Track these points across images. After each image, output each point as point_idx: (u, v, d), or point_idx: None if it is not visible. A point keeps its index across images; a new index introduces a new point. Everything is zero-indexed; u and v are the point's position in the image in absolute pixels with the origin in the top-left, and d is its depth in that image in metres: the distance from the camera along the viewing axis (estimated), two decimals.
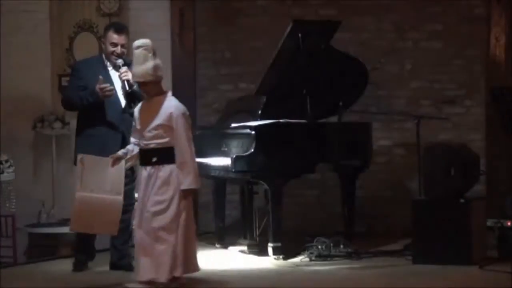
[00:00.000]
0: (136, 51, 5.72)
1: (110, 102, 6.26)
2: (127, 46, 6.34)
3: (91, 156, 5.87)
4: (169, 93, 5.85)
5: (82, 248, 6.48)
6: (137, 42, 5.76)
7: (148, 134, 5.75)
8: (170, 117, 5.68)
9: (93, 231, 6.04)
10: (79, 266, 6.45)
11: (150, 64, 5.68)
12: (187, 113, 5.78)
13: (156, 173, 5.71)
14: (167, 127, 5.69)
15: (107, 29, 6.43)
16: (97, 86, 6.12)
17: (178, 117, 5.69)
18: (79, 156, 5.85)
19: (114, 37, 6.33)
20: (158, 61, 5.74)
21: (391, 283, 6.02)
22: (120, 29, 6.37)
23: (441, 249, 6.43)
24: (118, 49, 6.32)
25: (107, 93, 6.14)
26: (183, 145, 5.67)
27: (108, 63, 6.39)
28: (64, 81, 8.48)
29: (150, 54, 5.70)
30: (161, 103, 5.75)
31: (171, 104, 5.75)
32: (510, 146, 7.28)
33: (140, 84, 5.79)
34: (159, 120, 5.70)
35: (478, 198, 6.82)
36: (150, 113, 5.75)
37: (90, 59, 6.59)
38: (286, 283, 6.15)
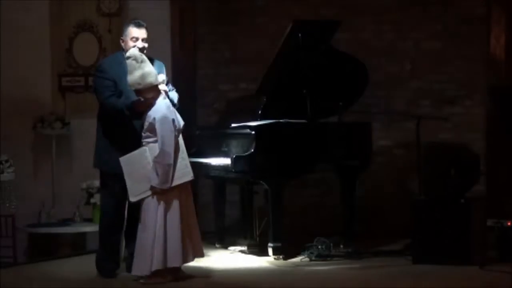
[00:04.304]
0: (127, 62, 6.04)
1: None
2: (148, 41, 6.30)
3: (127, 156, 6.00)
4: (160, 97, 6.06)
5: (108, 257, 6.30)
6: (127, 54, 6.09)
7: (143, 135, 6.07)
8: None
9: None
10: (108, 273, 6.27)
11: (137, 73, 5.96)
12: (165, 116, 5.96)
13: None
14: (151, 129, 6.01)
15: (125, 26, 6.34)
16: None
17: (156, 121, 5.96)
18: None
19: (134, 31, 6.25)
20: (147, 69, 5.99)
21: (391, 283, 6.02)
22: (140, 24, 6.30)
23: (441, 249, 6.43)
24: (139, 43, 6.23)
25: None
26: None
27: None
28: (64, 81, 8.50)
29: (138, 64, 5.98)
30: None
31: (154, 109, 6.03)
32: (510, 146, 7.27)
33: (135, 91, 6.05)
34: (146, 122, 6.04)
35: (478, 198, 6.82)
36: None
37: (113, 58, 6.44)
38: (286, 283, 6.15)
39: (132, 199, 6.00)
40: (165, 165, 5.89)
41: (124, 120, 6.13)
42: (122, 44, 6.33)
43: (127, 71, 6.10)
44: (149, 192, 5.93)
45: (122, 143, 6.15)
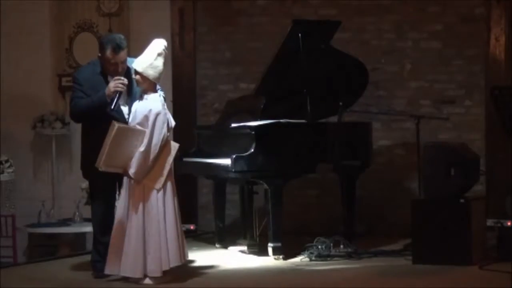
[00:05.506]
0: (152, 42, 6.07)
1: (117, 113, 6.07)
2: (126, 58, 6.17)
3: (126, 127, 5.89)
4: (156, 94, 6.04)
5: (101, 258, 6.25)
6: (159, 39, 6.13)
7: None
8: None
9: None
10: (100, 274, 6.23)
11: (148, 59, 5.97)
12: (161, 111, 5.94)
13: None
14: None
15: (104, 46, 6.09)
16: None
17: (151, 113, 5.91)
18: (116, 125, 5.78)
19: (113, 56, 6.06)
20: (156, 63, 5.97)
21: (391, 283, 6.02)
22: (119, 47, 6.07)
23: (441, 249, 6.43)
24: (119, 68, 6.11)
25: (119, 85, 5.99)
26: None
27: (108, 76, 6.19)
28: (64, 81, 8.50)
29: (155, 53, 5.99)
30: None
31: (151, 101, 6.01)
32: (510, 146, 7.27)
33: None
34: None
35: (478, 198, 6.82)
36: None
37: (88, 69, 6.32)
38: (286, 283, 6.15)
39: (102, 168, 5.83)
40: (145, 159, 5.84)
41: (93, 110, 6.03)
42: (99, 55, 6.16)
43: (102, 83, 6.06)
44: (120, 170, 5.89)
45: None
